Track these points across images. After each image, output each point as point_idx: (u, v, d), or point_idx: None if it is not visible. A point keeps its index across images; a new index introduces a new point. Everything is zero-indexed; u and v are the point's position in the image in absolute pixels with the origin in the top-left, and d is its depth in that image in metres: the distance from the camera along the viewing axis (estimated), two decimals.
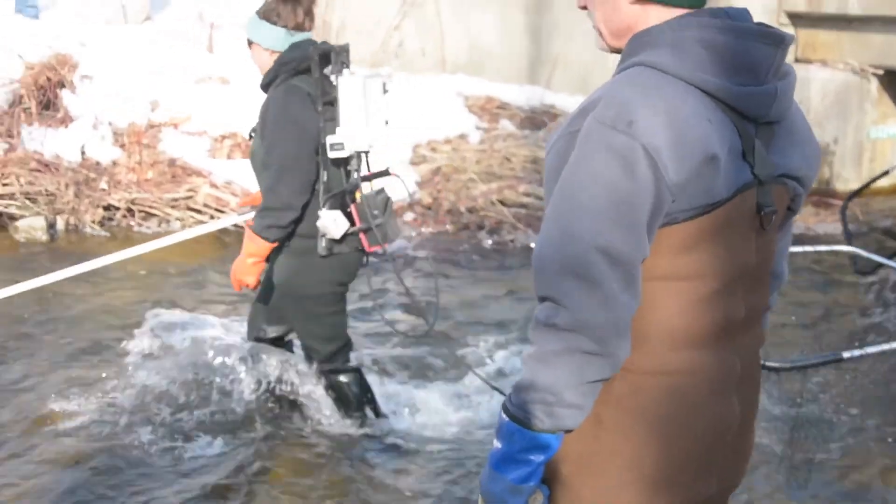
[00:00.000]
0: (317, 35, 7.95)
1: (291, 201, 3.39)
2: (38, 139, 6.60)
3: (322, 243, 3.45)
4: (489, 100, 7.94)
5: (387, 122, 3.54)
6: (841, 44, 7.29)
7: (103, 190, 6.41)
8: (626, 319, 1.56)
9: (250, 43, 3.54)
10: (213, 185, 6.52)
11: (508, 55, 8.19)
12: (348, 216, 3.45)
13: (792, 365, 3.26)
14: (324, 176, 3.45)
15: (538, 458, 1.63)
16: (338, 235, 3.42)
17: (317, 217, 3.42)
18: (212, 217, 6.43)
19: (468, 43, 8.27)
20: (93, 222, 6.28)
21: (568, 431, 1.64)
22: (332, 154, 3.37)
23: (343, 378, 3.76)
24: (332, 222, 3.41)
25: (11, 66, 6.91)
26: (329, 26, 8.35)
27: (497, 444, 1.66)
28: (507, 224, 6.62)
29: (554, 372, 1.57)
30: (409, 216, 6.66)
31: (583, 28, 7.90)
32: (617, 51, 1.71)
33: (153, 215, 6.47)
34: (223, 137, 6.92)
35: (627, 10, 1.66)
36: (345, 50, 3.47)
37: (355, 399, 3.80)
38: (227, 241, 6.19)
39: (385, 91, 3.54)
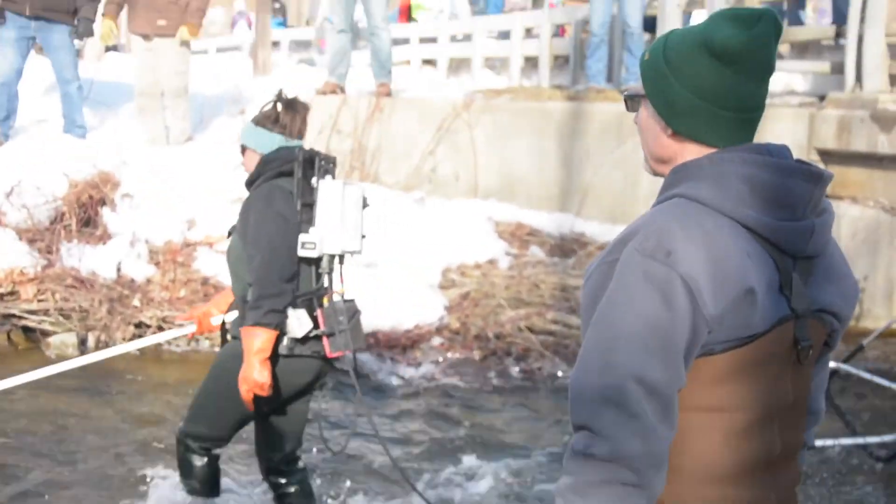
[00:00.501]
0: (354, 157, 8.14)
1: (283, 287, 3.45)
2: (77, 255, 6.73)
3: (284, 342, 3.48)
4: (519, 226, 8.02)
5: (363, 236, 3.68)
6: (872, 181, 7.33)
7: (136, 307, 6.50)
8: (663, 450, 1.56)
9: (244, 149, 3.69)
10: None
11: (540, 182, 8.30)
12: (313, 319, 3.49)
13: None
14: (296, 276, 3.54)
15: None
16: (300, 335, 3.46)
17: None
18: None
19: (501, 169, 8.41)
20: (123, 339, 6.34)
21: None
22: (302, 252, 3.47)
23: (195, 458, 3.70)
24: (296, 321, 3.45)
25: (56, 184, 7.10)
26: (364, 149, 8.54)
27: None
28: (534, 351, 6.60)
29: (590, 503, 1.55)
30: (436, 341, 6.67)
31: (614, 157, 8.08)
32: (660, 175, 1.77)
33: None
34: None
35: (666, 142, 1.73)
36: (331, 161, 3.67)
37: (197, 477, 3.73)
38: None
39: (365, 205, 3.69)
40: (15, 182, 6.93)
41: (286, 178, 3.54)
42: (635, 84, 1.84)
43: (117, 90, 9.34)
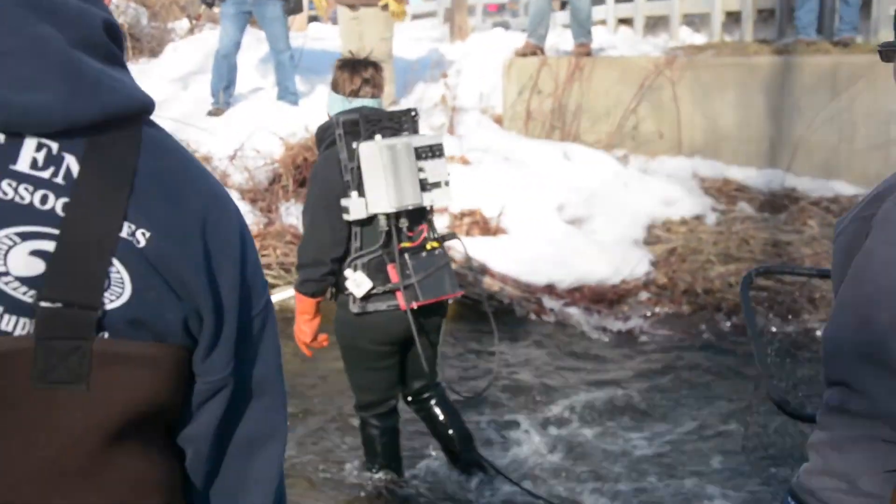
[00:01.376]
0: (554, 117, 8.16)
1: (319, 257, 3.61)
2: (294, 214, 7.07)
3: (353, 303, 3.63)
4: (726, 182, 7.83)
5: (426, 187, 3.66)
6: None
7: None
8: None
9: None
10: (453, 261, 6.73)
11: (746, 138, 8.07)
12: (384, 275, 3.60)
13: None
14: (355, 238, 3.63)
15: None
16: (359, 295, 3.59)
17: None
18: None
19: (705, 126, 8.22)
20: None
21: None
22: (345, 217, 3.59)
23: (372, 430, 3.89)
24: (353, 283, 3.60)
25: (273, 147, 7.47)
26: (564, 108, 8.53)
27: None
28: None
29: (848, 458, 1.51)
30: (643, 296, 6.63)
31: (827, 113, 7.75)
32: None
33: None
34: (463, 214, 7.16)
35: None
36: (387, 118, 3.68)
37: (384, 449, 3.91)
38: (464, 312, 6.38)
39: (423, 155, 3.66)
40: (237, 146, 7.33)
41: (335, 145, 3.65)
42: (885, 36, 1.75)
43: (324, 58, 9.68)
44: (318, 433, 4.61)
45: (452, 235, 3.92)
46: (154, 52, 10.08)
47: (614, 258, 6.75)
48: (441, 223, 7.09)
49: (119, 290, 1.02)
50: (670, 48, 9.53)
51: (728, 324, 6.36)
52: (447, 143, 7.86)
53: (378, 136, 3.61)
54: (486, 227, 6.95)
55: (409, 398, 4.00)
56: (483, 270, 6.56)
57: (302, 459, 4.30)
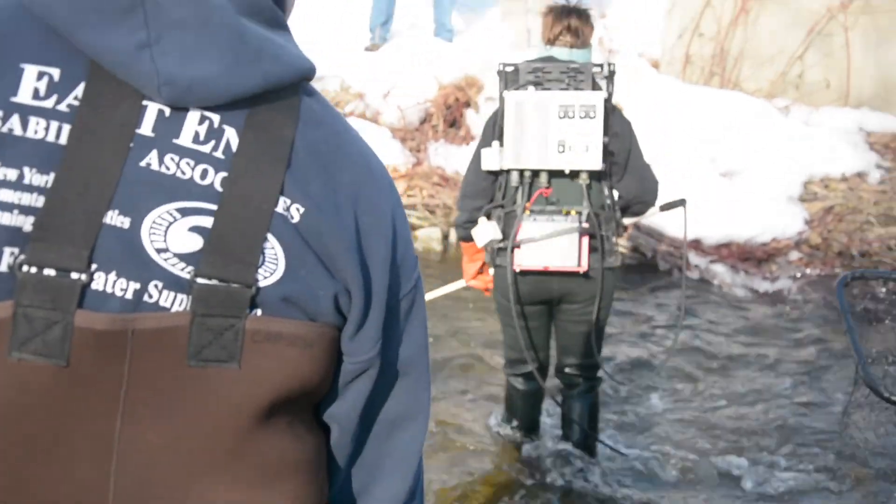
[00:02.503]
0: (714, 62, 7.87)
1: (463, 203, 3.65)
2: (443, 155, 7.13)
3: (489, 252, 3.64)
4: (895, 137, 7.42)
5: (560, 149, 3.45)
6: None
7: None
8: None
9: None
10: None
11: None
12: (513, 232, 3.51)
13: None
14: (499, 188, 3.58)
15: None
16: (479, 244, 3.58)
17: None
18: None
19: (877, 76, 7.77)
20: None
21: None
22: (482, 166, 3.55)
23: (515, 386, 3.88)
24: (476, 231, 3.58)
25: (427, 86, 7.52)
26: (727, 54, 8.22)
27: None
28: None
29: None
30: (794, 255, 6.41)
31: None
32: None
33: None
34: None
35: None
36: (561, 69, 3.46)
37: (519, 409, 3.90)
38: None
39: (566, 116, 3.44)
40: (391, 84, 7.42)
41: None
42: None
43: None
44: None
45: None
46: None
47: (767, 215, 6.54)
48: None
49: (273, 266, 1.00)
50: None
51: (884, 290, 6.07)
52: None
53: (531, 88, 3.48)
54: None
55: (557, 371, 3.91)
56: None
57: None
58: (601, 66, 3.54)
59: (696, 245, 6.41)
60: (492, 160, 3.52)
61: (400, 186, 6.87)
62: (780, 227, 6.48)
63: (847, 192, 6.81)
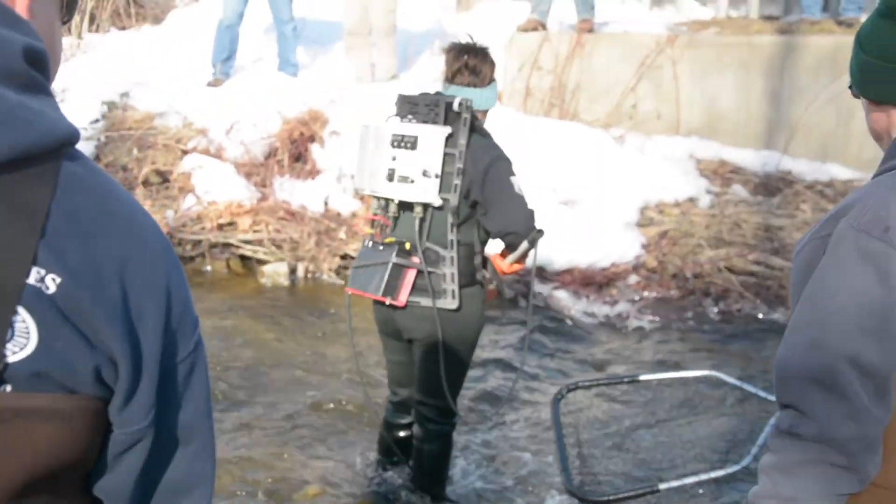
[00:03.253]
0: (553, 95, 8.09)
1: None
2: (288, 189, 7.10)
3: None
4: (722, 163, 7.82)
5: (390, 177, 3.48)
6: None
7: (341, 240, 6.81)
8: (876, 433, 1.50)
9: None
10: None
11: (745, 119, 8.04)
12: None
13: (608, 499, 3.25)
14: None
15: None
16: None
17: None
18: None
19: (704, 105, 8.18)
20: (329, 270, 6.68)
21: None
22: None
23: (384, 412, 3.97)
24: None
25: (271, 121, 7.49)
26: (564, 86, 8.50)
27: None
28: (734, 292, 6.48)
29: (796, 482, 1.52)
30: (633, 279, 6.65)
31: (827, 93, 7.69)
32: None
33: None
34: None
35: (875, 115, 1.68)
36: (427, 102, 3.51)
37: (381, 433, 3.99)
38: None
39: (398, 146, 3.45)
40: (234, 120, 7.35)
41: None
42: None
43: (327, 29, 9.66)
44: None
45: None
46: (157, 19, 10.07)
47: (606, 241, 6.77)
48: None
49: (24, 340, 0.96)
50: (675, 23, 9.44)
51: (715, 310, 6.38)
52: None
53: (393, 119, 3.55)
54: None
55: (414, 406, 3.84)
56: None
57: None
58: (465, 102, 3.47)
59: (540, 272, 6.57)
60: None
61: (245, 222, 6.81)
62: (619, 252, 6.72)
63: (680, 217, 7.12)
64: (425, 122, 3.49)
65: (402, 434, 3.94)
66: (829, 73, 7.64)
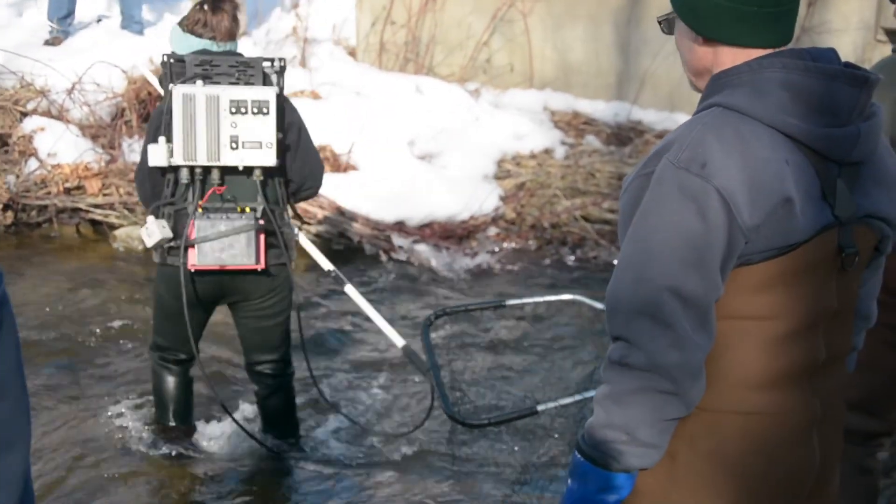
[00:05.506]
0: (408, 49, 8.07)
1: (141, 199, 3.69)
2: (138, 151, 6.85)
3: (156, 250, 3.56)
4: (575, 115, 7.96)
5: (233, 145, 3.42)
6: None
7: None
8: (699, 359, 1.56)
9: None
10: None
11: (596, 71, 8.20)
12: (176, 230, 3.49)
13: (489, 421, 3.34)
14: (167, 184, 3.51)
15: (613, 497, 1.63)
16: (149, 244, 3.49)
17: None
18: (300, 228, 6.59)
19: (556, 59, 8.30)
20: None
21: (642, 470, 1.64)
22: (149, 162, 3.46)
23: (169, 375, 3.82)
24: (145, 231, 3.49)
25: (116, 80, 7.19)
26: (419, 41, 8.47)
27: (572, 483, 1.67)
28: (590, 240, 6.63)
29: (628, 411, 1.57)
30: (492, 231, 6.73)
31: (673, 46, 7.89)
32: (701, 91, 1.71)
33: None
34: None
35: (700, 52, 1.67)
36: (230, 63, 3.44)
37: (175, 399, 3.84)
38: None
39: (237, 112, 3.40)
40: (75, 79, 7.03)
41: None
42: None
43: None
44: None
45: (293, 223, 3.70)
46: None
47: (464, 194, 6.81)
48: None
49: None
50: None
51: (572, 258, 6.52)
52: (297, 77, 7.78)
53: (199, 82, 3.39)
54: (336, 164, 6.90)
55: (248, 370, 3.88)
56: (332, 208, 6.53)
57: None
58: (272, 60, 3.53)
59: (400, 227, 6.57)
60: (159, 156, 3.41)
61: (94, 185, 6.54)
62: (477, 204, 6.78)
63: (536, 168, 7.23)
64: (237, 82, 3.45)
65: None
66: None
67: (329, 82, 7.72)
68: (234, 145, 3.43)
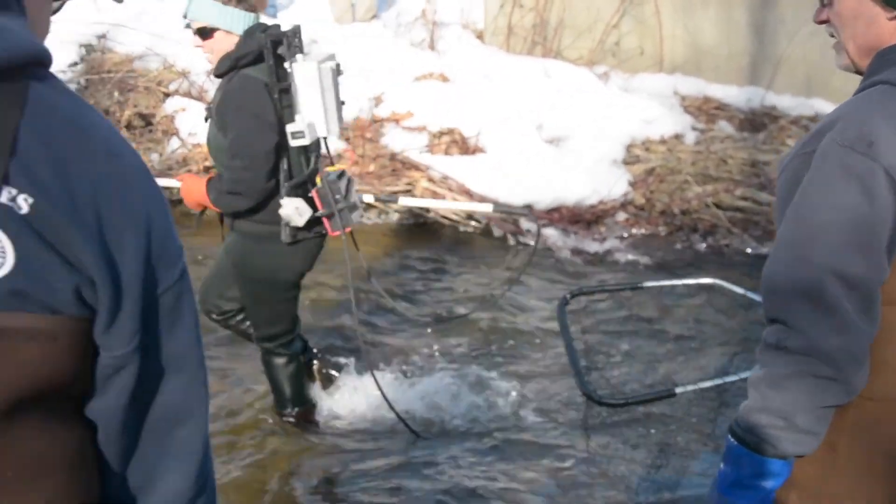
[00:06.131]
0: (535, 32, 8.05)
1: (253, 191, 3.41)
2: None
3: (286, 231, 3.47)
4: (707, 100, 7.81)
5: (343, 103, 3.44)
6: None
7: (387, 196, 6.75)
8: (863, 345, 1.52)
9: (211, 31, 3.39)
10: (431, 180, 6.74)
11: (729, 54, 8.01)
12: (310, 201, 3.44)
13: (625, 401, 3.26)
14: (284, 164, 3.43)
15: (769, 483, 1.60)
16: (301, 223, 3.43)
17: (278, 205, 3.43)
18: (428, 211, 6.67)
19: (687, 42, 8.15)
20: None
21: (799, 457, 1.60)
22: (293, 143, 3.32)
23: (278, 360, 3.83)
24: (293, 210, 3.41)
25: None
26: (547, 24, 8.43)
27: (725, 467, 1.64)
28: (721, 228, 6.51)
29: (785, 395, 1.54)
30: (621, 216, 6.67)
31: (811, 27, 7.65)
32: (862, 71, 1.65)
33: (373, 207, 6.76)
34: (441, 133, 7.14)
35: (886, 26, 1.59)
36: (296, 34, 3.38)
37: (286, 384, 3.86)
38: (446, 232, 6.42)
39: (340, 73, 3.41)
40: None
41: (256, 66, 3.37)
42: None
43: None
44: None
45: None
46: None
47: (593, 178, 6.76)
48: (420, 141, 7.08)
49: (0, 259, 0.96)
50: None
51: (703, 245, 6.42)
52: (426, 60, 7.84)
53: (299, 56, 3.34)
54: (464, 146, 6.93)
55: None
56: (461, 190, 6.57)
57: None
58: (297, 29, 3.48)
59: (528, 210, 6.56)
60: (306, 133, 3.31)
61: None
62: (606, 189, 6.72)
63: (666, 154, 7.12)
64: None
65: None
66: (811, 6, 7.60)
67: (457, 65, 7.75)
68: (341, 116, 3.47)
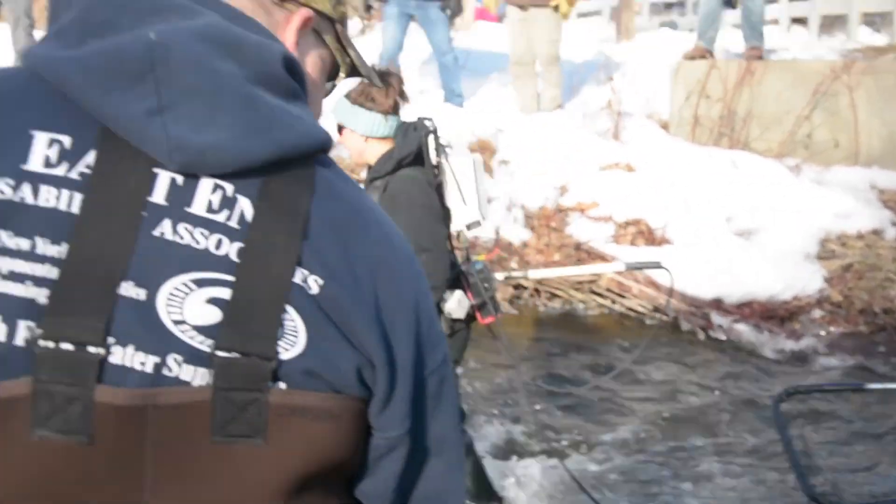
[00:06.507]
0: (722, 123, 7.95)
1: (442, 281, 3.36)
2: None
3: (445, 325, 3.45)
4: None
5: (489, 200, 3.52)
6: None
7: (513, 269, 6.78)
8: None
9: (341, 128, 3.52)
10: (618, 272, 6.67)
11: None
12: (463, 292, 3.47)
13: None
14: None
15: None
16: (462, 315, 3.45)
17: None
18: (613, 302, 6.58)
19: (885, 134, 7.85)
20: (503, 299, 6.65)
21: None
22: (470, 233, 3.42)
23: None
24: (456, 304, 3.44)
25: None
26: (734, 114, 8.31)
27: None
28: None
29: None
30: (816, 313, 6.40)
31: None
32: None
33: (558, 296, 6.74)
34: (627, 224, 7.08)
35: None
36: (436, 128, 3.50)
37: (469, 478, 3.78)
38: (628, 324, 6.31)
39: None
40: None
41: (411, 166, 3.42)
42: None
43: (488, 59, 9.73)
44: None
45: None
46: None
47: (785, 273, 6.54)
48: (606, 233, 7.03)
49: (293, 338, 0.97)
50: (848, 50, 9.15)
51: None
52: (611, 149, 7.84)
53: (448, 150, 3.55)
54: (650, 237, 6.85)
55: None
56: (647, 282, 6.47)
57: None
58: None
59: (718, 304, 6.39)
60: (470, 219, 3.46)
61: None
62: (800, 285, 6.49)
63: (865, 250, 6.83)
64: None
65: None
66: None
67: (643, 155, 7.71)
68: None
